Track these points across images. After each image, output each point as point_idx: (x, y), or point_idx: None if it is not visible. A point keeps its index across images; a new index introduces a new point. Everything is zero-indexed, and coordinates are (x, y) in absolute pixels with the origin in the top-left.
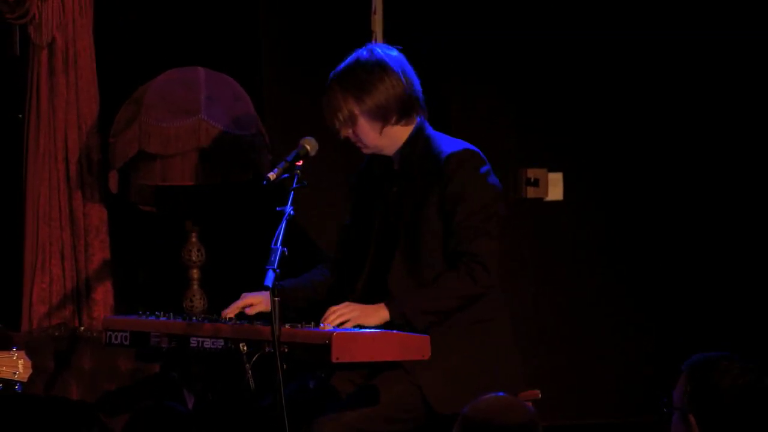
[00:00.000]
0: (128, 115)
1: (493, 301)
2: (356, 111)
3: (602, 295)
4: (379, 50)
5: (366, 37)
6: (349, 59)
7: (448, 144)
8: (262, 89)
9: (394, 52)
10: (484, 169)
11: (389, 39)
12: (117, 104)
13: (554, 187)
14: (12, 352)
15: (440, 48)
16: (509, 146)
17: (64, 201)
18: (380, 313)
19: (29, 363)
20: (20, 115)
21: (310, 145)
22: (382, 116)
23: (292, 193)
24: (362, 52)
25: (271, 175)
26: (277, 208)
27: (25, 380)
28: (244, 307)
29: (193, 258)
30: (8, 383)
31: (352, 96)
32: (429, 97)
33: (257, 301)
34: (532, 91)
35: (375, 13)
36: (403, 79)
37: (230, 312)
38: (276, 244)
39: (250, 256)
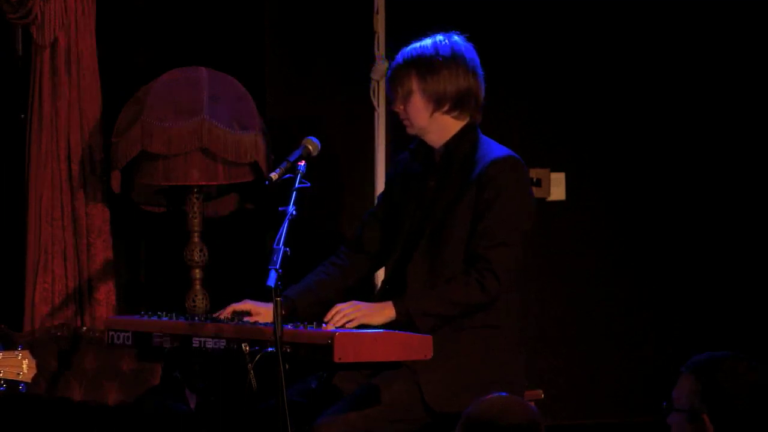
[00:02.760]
0: (131, 115)
1: (502, 309)
2: (414, 87)
3: (605, 296)
4: (458, 39)
5: (368, 38)
6: (427, 42)
7: (495, 148)
8: (265, 89)
9: (471, 49)
10: (524, 179)
11: (391, 40)
12: (119, 104)
13: (557, 188)
14: (16, 352)
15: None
16: (512, 146)
17: (67, 201)
18: (386, 312)
19: (33, 363)
20: (23, 115)
21: (312, 145)
22: (436, 100)
23: (295, 193)
24: (441, 38)
25: (274, 175)
26: (280, 208)
27: (30, 380)
28: (241, 312)
29: (196, 258)
30: (12, 383)
31: (417, 73)
32: None
33: (257, 312)
34: (534, 91)
35: (377, 13)
36: (471, 74)
37: (225, 313)
38: (278, 244)
39: (252, 256)
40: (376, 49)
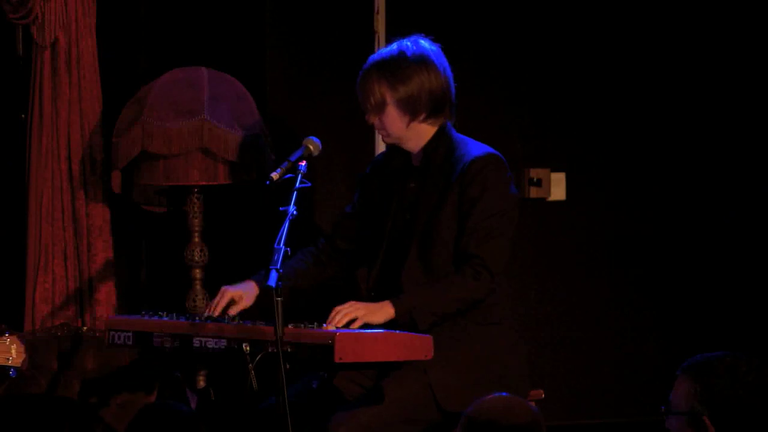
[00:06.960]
0: (131, 114)
1: (501, 304)
2: (387, 98)
3: (605, 296)
4: (425, 43)
5: (369, 38)
6: (393, 46)
7: (474, 147)
8: (265, 89)
9: (436, 49)
10: (506, 175)
11: (392, 39)
12: (120, 104)
13: (557, 188)
14: (4, 338)
15: (443, 48)
16: (512, 146)
17: (67, 201)
18: (385, 310)
19: (22, 347)
20: (23, 115)
21: (313, 145)
22: (412, 109)
23: (295, 193)
24: (407, 42)
25: (274, 175)
26: (280, 208)
27: (19, 365)
28: (228, 305)
29: (196, 258)
30: (2, 369)
31: (387, 82)
32: None
33: (238, 296)
34: (535, 91)
35: (378, 13)
36: (442, 77)
37: (216, 310)
38: (279, 244)
39: (253, 256)
40: (376, 49)
